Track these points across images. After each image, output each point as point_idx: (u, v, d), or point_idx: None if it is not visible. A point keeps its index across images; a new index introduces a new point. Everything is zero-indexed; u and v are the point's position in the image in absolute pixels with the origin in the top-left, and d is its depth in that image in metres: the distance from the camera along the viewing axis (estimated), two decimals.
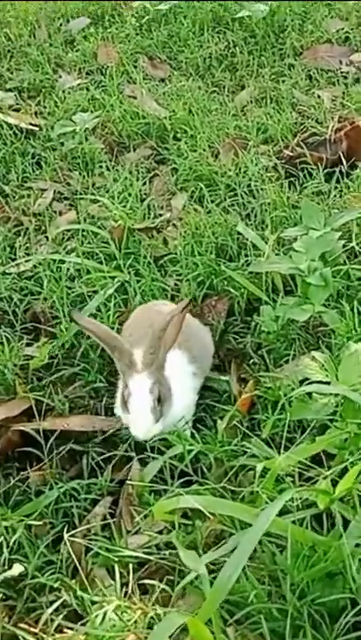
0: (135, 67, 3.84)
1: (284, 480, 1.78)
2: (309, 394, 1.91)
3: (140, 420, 1.89)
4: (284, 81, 3.62)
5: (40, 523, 1.83)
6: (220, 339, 2.34)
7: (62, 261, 2.55)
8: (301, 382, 2.02)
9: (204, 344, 2.20)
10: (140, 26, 4.27)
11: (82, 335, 2.31)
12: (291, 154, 3.03)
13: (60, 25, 4.42)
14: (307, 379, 2.00)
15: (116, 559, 1.69)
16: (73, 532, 1.70)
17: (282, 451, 1.84)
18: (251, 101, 3.50)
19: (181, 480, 1.86)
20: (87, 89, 3.69)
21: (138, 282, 2.46)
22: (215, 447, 1.93)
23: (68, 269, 2.53)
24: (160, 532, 1.78)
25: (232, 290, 2.41)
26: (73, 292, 2.44)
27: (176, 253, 2.58)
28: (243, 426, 2.01)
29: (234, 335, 2.34)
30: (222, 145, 3.14)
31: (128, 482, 1.89)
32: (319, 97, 3.43)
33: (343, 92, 3.47)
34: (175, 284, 2.49)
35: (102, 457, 1.98)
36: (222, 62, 3.87)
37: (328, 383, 1.90)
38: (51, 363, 2.27)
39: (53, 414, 2.12)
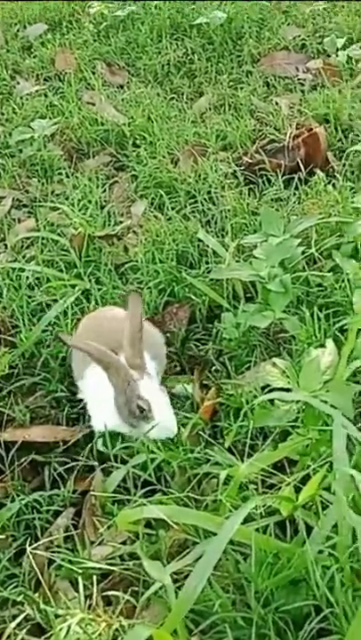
0: (93, 73, 3.82)
1: (248, 487, 1.78)
2: (271, 400, 1.91)
3: (171, 419, 1.95)
4: (242, 88, 3.63)
5: (2, 536, 1.81)
6: (181, 346, 2.33)
7: (22, 270, 2.53)
8: (263, 389, 2.04)
9: (158, 342, 2.21)
10: (98, 32, 4.26)
11: (42, 344, 2.29)
12: (250, 160, 3.04)
13: (18, 31, 4.39)
14: (268, 385, 2.01)
15: (80, 571, 1.67)
16: (35, 544, 1.68)
17: (245, 458, 1.85)
18: (209, 108, 3.51)
19: (145, 490, 1.85)
20: (45, 95, 3.67)
21: (99, 290, 2.44)
22: (178, 455, 1.92)
23: (28, 278, 2.51)
24: (124, 543, 1.77)
25: (193, 297, 2.41)
26: (33, 301, 2.42)
27: (137, 261, 2.57)
28: (205, 433, 2.01)
29: (195, 342, 2.34)
30: (182, 152, 3.15)
31: (91, 493, 1.87)
32: (277, 104, 3.45)
33: (300, 99, 3.50)
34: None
35: (65, 467, 1.96)
36: (181, 69, 3.88)
37: (289, 390, 1.91)
38: (11, 373, 2.24)
39: (14, 425, 2.10)
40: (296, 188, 2.85)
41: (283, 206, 2.77)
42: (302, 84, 3.63)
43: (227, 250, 2.49)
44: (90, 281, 2.48)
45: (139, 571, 1.64)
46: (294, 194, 2.83)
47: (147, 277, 2.50)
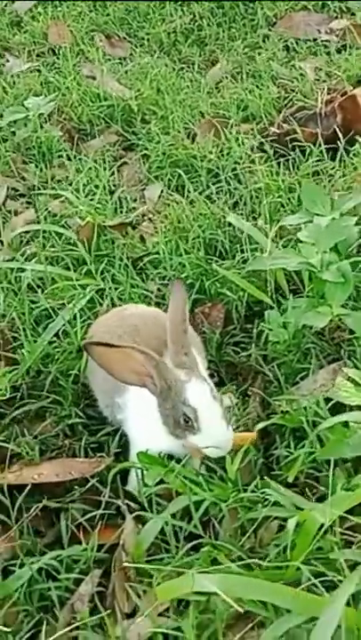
0: (92, 45, 3.41)
1: (319, 534, 1.39)
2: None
3: (222, 433, 1.53)
4: (259, 53, 3.23)
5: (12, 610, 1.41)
6: (217, 352, 1.94)
7: (21, 270, 2.12)
8: (326, 401, 1.64)
9: (196, 337, 1.82)
10: (94, 2, 3.83)
11: (50, 359, 1.89)
12: (278, 131, 2.63)
13: (5, 6, 3.96)
14: (331, 399, 1.62)
15: None
16: (52, 638, 1.27)
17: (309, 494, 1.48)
18: (225, 77, 3.10)
19: (190, 544, 1.45)
20: (39, 71, 3.25)
21: (115, 289, 2.04)
22: (228, 494, 1.52)
23: (29, 279, 2.10)
24: (167, 610, 1.38)
25: (228, 293, 2.01)
26: (37, 307, 2.01)
27: (157, 253, 2.16)
28: (257, 462, 1.62)
29: (234, 347, 1.94)
30: (199, 125, 2.74)
31: (116, 566, 1.45)
32: (301, 68, 3.05)
33: (327, 62, 3.09)
34: (159, 290, 2.07)
35: (85, 517, 1.56)
36: (188, 37, 3.48)
37: None
38: (14, 396, 1.82)
39: (20, 462, 1.69)
40: (339, 160, 2.43)
41: (323, 181, 2.37)
42: (327, 47, 3.22)
43: (265, 234, 2.08)
44: (103, 279, 2.07)
45: None
46: (334, 166, 2.43)
47: (170, 272, 2.10)
